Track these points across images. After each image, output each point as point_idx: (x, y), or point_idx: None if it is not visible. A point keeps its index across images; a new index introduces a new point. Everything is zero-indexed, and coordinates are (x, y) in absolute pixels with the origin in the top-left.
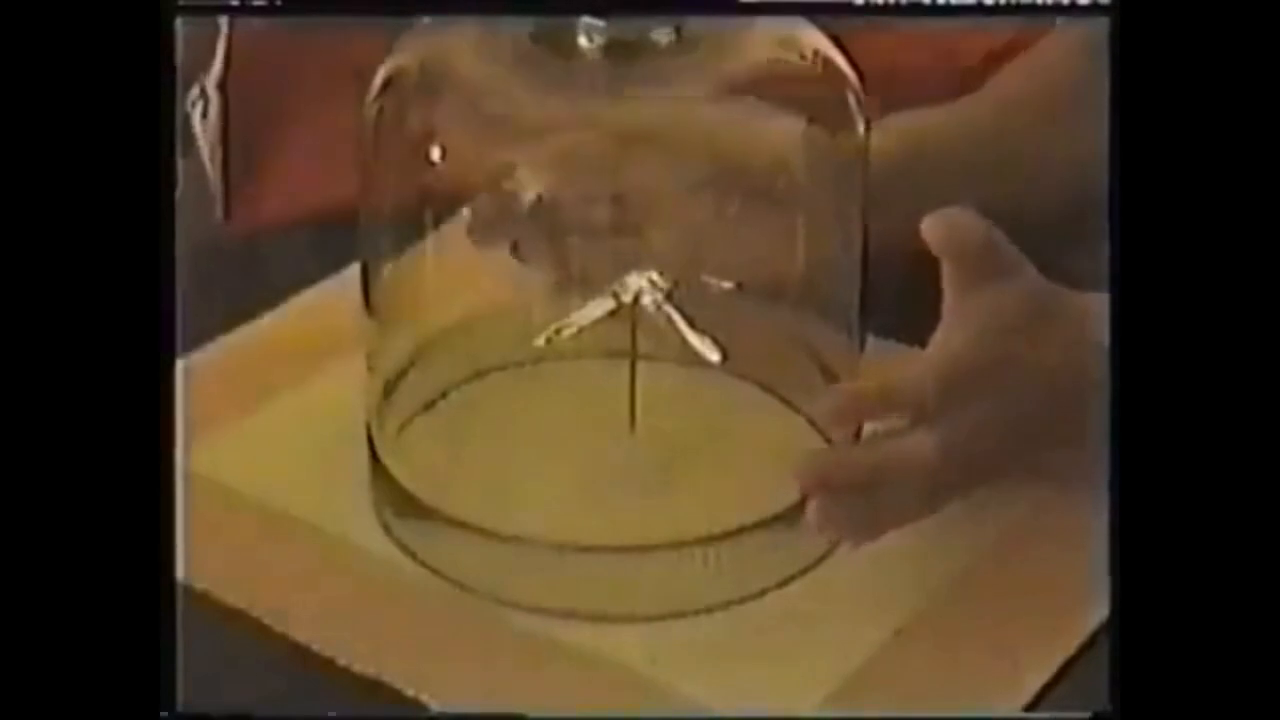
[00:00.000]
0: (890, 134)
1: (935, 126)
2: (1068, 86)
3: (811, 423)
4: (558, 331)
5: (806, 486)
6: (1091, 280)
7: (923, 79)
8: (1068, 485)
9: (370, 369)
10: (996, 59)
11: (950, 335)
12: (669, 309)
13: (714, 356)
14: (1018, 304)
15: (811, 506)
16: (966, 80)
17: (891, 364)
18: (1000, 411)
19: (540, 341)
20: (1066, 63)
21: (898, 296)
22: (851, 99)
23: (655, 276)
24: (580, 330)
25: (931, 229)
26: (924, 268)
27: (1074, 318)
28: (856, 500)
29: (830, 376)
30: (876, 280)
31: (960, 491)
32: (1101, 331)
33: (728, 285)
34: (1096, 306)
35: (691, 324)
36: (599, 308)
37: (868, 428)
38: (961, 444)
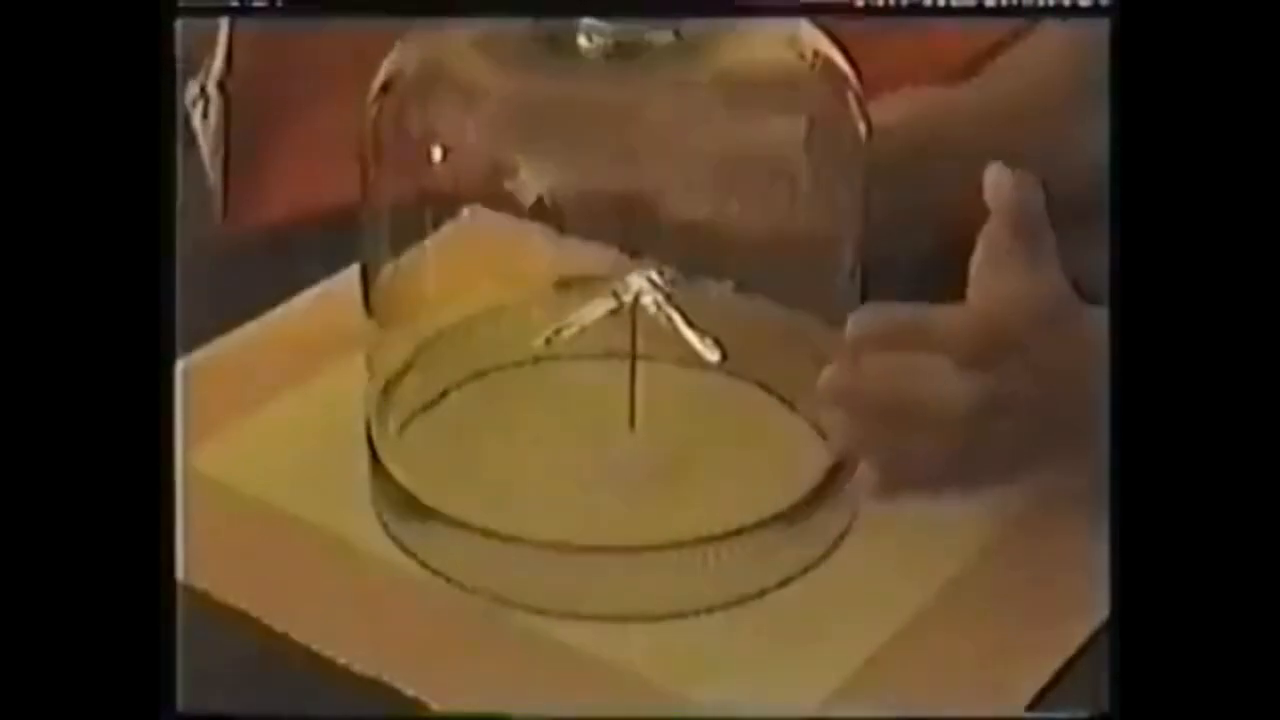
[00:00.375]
0: (899, 108)
1: (945, 103)
2: (1067, 81)
3: (814, 425)
4: (558, 332)
5: (828, 396)
6: (1087, 276)
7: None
8: (1069, 492)
9: (370, 369)
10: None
11: (995, 286)
12: (669, 309)
13: (714, 356)
14: (1052, 290)
15: (831, 418)
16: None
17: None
18: (1032, 384)
19: (540, 342)
20: (1065, 57)
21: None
22: (851, 98)
23: (655, 276)
24: (581, 330)
25: (995, 179)
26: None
27: (1094, 326)
28: (878, 426)
29: None
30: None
31: (981, 464)
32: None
33: (727, 285)
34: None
35: (691, 324)
36: (599, 308)
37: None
38: (992, 401)
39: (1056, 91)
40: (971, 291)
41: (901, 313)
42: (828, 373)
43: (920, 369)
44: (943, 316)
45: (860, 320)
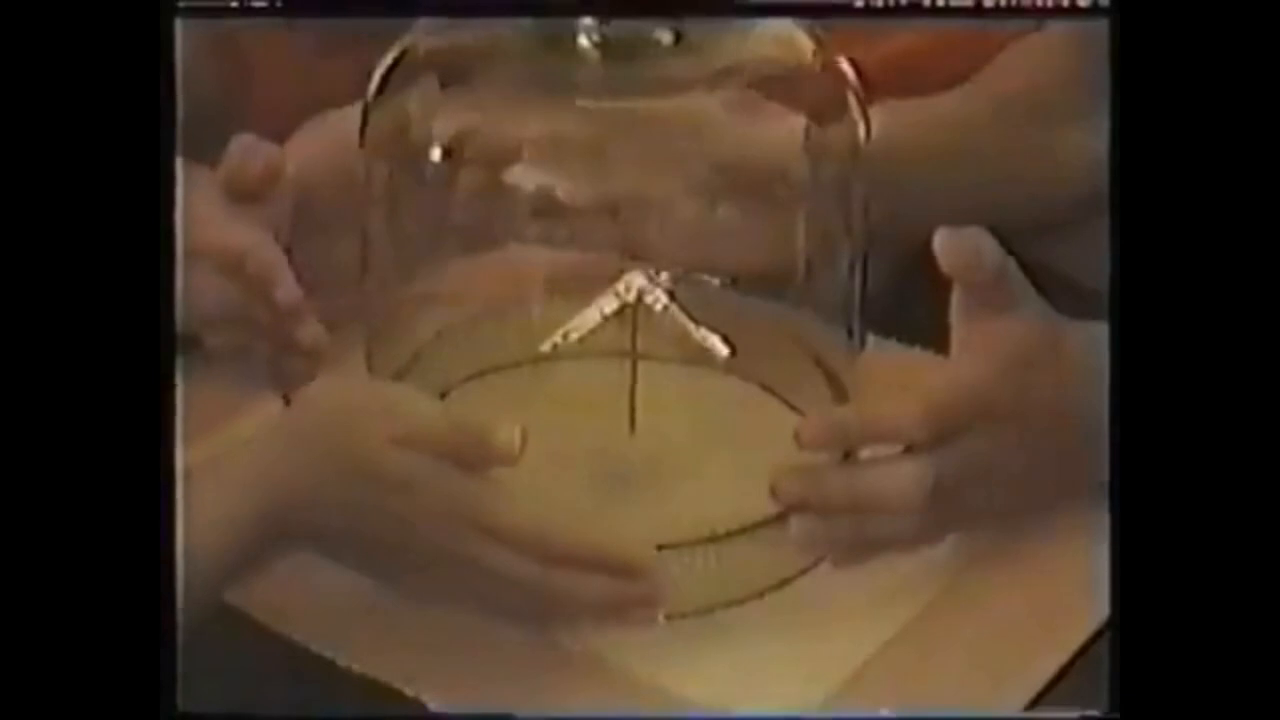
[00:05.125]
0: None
1: (924, 118)
2: (1059, 84)
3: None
4: (565, 336)
5: (784, 502)
6: (1078, 277)
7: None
8: (1070, 494)
9: (370, 369)
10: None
11: (954, 366)
12: (673, 308)
13: (722, 351)
14: (1026, 339)
15: (794, 523)
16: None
17: (890, 387)
18: (1001, 451)
19: (548, 347)
20: (1058, 60)
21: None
22: (851, 98)
23: (655, 275)
24: (589, 333)
25: (945, 249)
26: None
27: (1079, 351)
28: (840, 522)
29: (830, 376)
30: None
31: (956, 527)
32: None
33: (718, 282)
34: (1099, 336)
35: (696, 321)
36: (603, 308)
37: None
38: (953, 478)
39: (1042, 96)
40: (954, 350)
41: (843, 417)
42: (783, 482)
43: (873, 464)
44: (887, 410)
45: (805, 429)
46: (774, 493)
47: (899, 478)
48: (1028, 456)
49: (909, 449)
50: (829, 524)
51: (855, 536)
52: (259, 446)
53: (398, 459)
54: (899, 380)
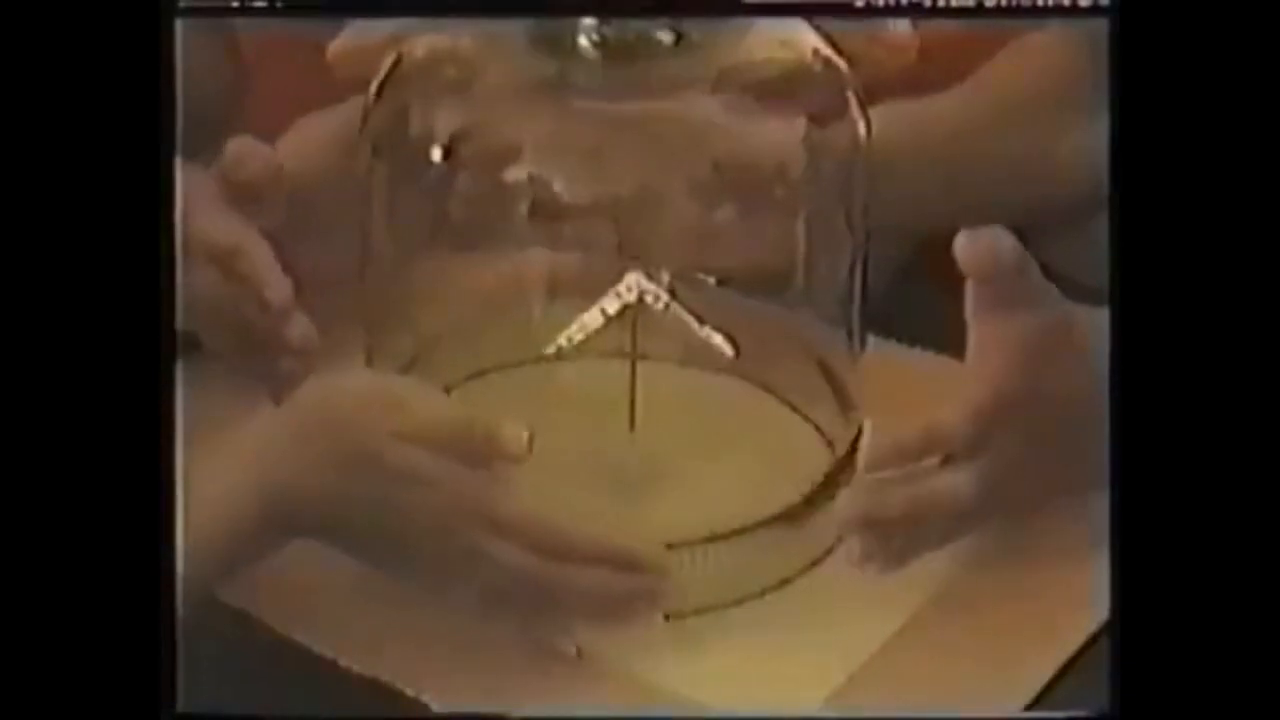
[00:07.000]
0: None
1: (924, 118)
2: (1059, 84)
3: (819, 429)
4: (569, 339)
5: (850, 525)
6: (1078, 277)
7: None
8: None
9: (370, 368)
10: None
11: (984, 367)
12: (676, 307)
13: (727, 350)
14: (1047, 333)
15: (854, 543)
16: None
17: (895, 388)
18: (1034, 443)
19: (551, 349)
20: (1058, 60)
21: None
22: (851, 98)
23: (656, 275)
24: (594, 334)
25: (965, 248)
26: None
27: (1096, 338)
28: (897, 534)
29: (830, 376)
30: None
31: (990, 520)
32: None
33: (714, 281)
34: (1105, 324)
35: (700, 320)
36: (605, 309)
37: None
38: (997, 479)
39: (1042, 96)
40: (972, 349)
41: (905, 438)
42: (843, 502)
43: (926, 475)
44: (942, 420)
45: (870, 454)
46: (838, 522)
47: (954, 485)
48: (1053, 450)
49: (949, 455)
50: (885, 537)
51: (908, 546)
52: (262, 441)
53: (401, 451)
54: (901, 381)
